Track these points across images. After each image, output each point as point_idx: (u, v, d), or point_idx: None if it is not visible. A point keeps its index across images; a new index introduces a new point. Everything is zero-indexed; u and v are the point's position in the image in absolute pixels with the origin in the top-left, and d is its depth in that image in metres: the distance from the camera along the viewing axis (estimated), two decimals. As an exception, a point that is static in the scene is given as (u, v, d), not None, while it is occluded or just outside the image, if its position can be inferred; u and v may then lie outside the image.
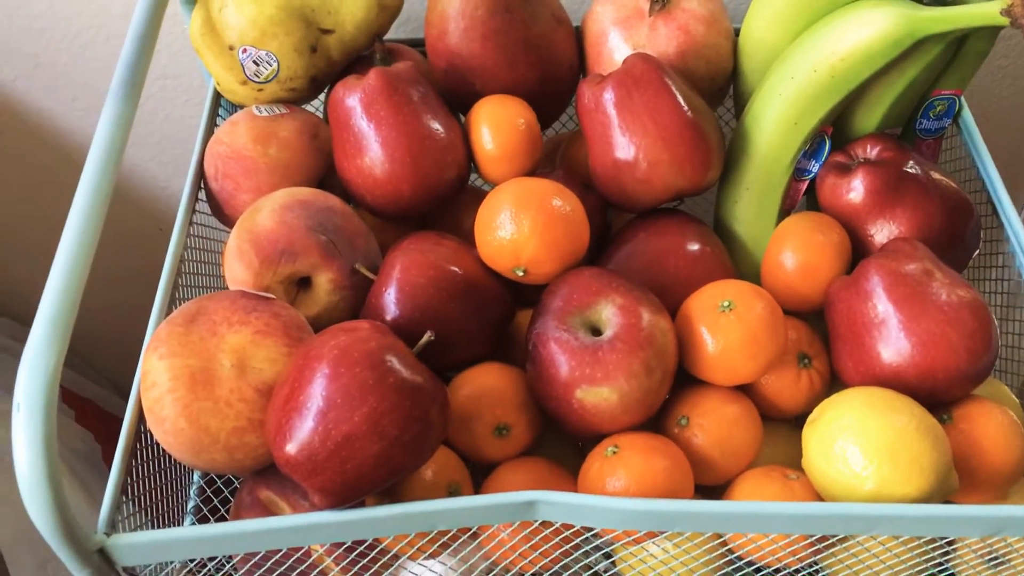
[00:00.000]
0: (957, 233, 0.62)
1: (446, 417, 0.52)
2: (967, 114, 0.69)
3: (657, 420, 0.60)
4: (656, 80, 0.61)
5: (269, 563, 0.55)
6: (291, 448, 0.49)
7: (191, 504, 0.65)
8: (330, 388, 0.49)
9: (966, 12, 0.58)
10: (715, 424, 0.57)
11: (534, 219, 0.56)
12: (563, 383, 0.54)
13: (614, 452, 0.55)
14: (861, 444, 0.52)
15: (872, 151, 0.64)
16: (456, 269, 0.58)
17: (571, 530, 0.53)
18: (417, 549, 0.54)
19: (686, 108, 0.61)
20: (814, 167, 0.66)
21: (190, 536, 0.50)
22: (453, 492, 0.55)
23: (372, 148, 0.63)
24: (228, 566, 0.57)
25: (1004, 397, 0.62)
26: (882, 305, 0.56)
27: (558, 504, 0.51)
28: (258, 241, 0.60)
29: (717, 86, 0.69)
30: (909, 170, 0.62)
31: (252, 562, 0.56)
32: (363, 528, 0.51)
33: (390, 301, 0.57)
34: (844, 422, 0.53)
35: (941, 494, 0.52)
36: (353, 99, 0.63)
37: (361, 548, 0.55)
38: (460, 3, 0.67)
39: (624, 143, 0.61)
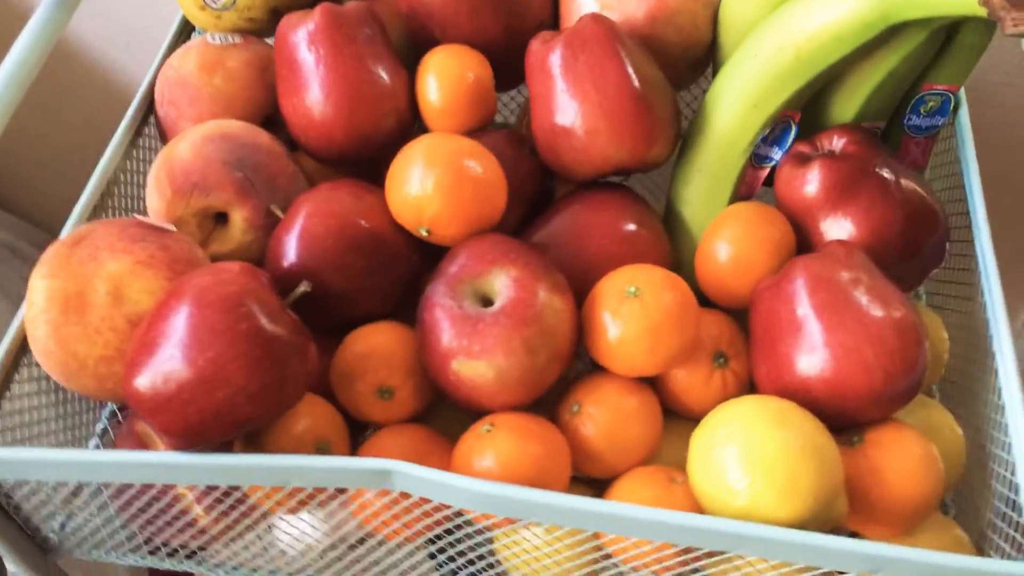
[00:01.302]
0: (916, 243, 0.57)
1: (309, 371, 0.50)
2: (964, 115, 0.63)
3: (554, 403, 0.56)
4: (604, 43, 0.57)
5: (140, 500, 0.55)
6: (137, 383, 0.48)
7: (100, 426, 0.65)
8: (180, 328, 0.47)
9: (941, -2, 0.52)
10: (607, 415, 0.54)
11: (439, 177, 0.54)
12: (441, 353, 0.52)
13: (487, 431, 0.52)
14: (739, 456, 0.48)
15: (838, 143, 0.59)
16: (362, 222, 0.56)
17: (430, 505, 0.51)
18: (275, 503, 0.52)
19: (633, 76, 0.57)
20: (776, 155, 0.61)
21: (40, 458, 0.50)
22: (321, 450, 0.53)
23: (308, 88, 0.61)
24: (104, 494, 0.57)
25: (941, 426, 0.56)
26: (801, 310, 0.52)
27: (413, 477, 0.49)
28: (173, 171, 0.59)
29: (693, 57, 0.64)
30: (872, 168, 0.57)
31: (124, 497, 0.55)
32: (212, 473, 0.50)
33: (289, 246, 0.55)
34: (728, 430, 0.49)
35: (821, 520, 0.47)
36: (295, 34, 0.61)
37: (227, 495, 0.54)
38: (423, -56, 0.63)
39: (563, 107, 0.58)
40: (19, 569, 0.60)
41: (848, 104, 0.60)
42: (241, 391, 0.47)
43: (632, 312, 0.53)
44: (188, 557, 0.60)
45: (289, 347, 0.49)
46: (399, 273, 0.57)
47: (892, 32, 0.56)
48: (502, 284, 0.52)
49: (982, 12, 0.50)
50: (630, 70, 0.57)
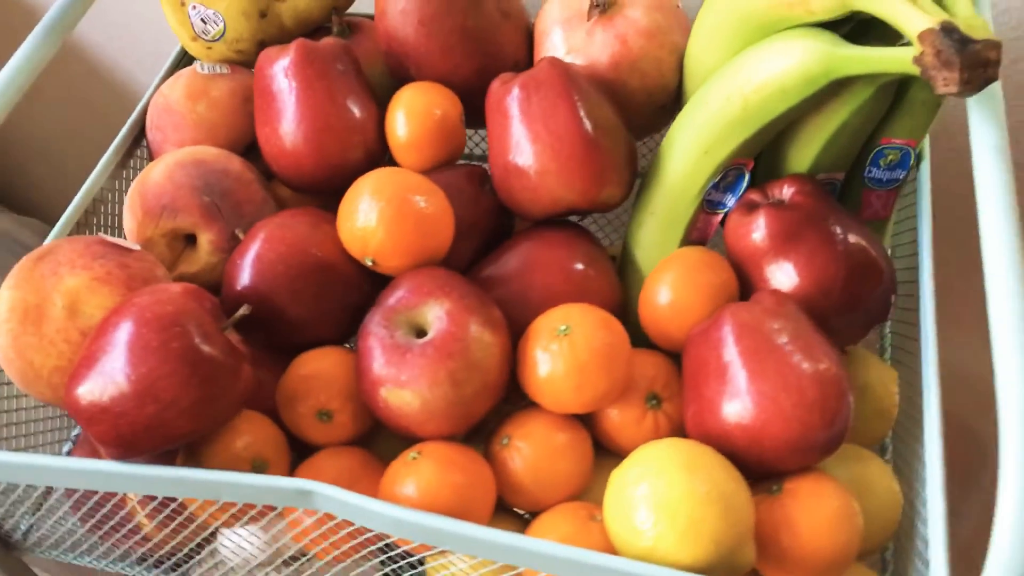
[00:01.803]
0: (858, 295, 0.57)
1: (241, 391, 0.52)
2: (924, 170, 0.63)
3: (488, 434, 0.58)
4: (558, 87, 0.59)
5: (89, 504, 0.58)
6: (76, 392, 0.50)
7: (75, 432, 0.68)
8: (118, 343, 0.50)
9: (881, 56, 0.52)
10: (535, 449, 0.55)
11: (383, 211, 0.56)
12: (371, 380, 0.54)
13: (414, 458, 0.53)
14: (647, 497, 0.48)
15: (787, 192, 0.59)
16: (313, 250, 0.58)
17: (354, 527, 0.52)
18: (210, 515, 0.55)
19: (584, 120, 0.58)
20: (730, 201, 0.62)
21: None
22: (257, 467, 0.55)
23: (281, 118, 0.64)
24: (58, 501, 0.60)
25: (875, 481, 0.56)
26: (726, 357, 0.52)
27: (333, 499, 0.50)
28: (145, 194, 0.62)
29: (658, 102, 0.66)
30: (817, 218, 0.57)
31: (73, 500, 0.58)
32: (146, 483, 0.52)
33: (242, 270, 0.58)
34: (640, 471, 0.50)
35: (725, 566, 0.48)
36: (272, 67, 0.64)
37: (167, 504, 0.56)
38: (400, -16, 0.66)
39: (517, 147, 0.59)
40: (-16, 563, 0.64)
41: (803, 154, 0.61)
42: (171, 406, 0.50)
43: (561, 350, 0.54)
44: (139, 562, 0.63)
45: (221, 367, 0.51)
46: (349, 300, 0.59)
47: (839, 86, 0.56)
48: (435, 316, 0.54)
49: (916, 71, 0.50)
50: (581, 113, 0.58)
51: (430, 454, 0.53)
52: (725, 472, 0.50)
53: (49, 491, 0.64)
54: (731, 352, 0.52)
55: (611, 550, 0.50)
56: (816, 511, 0.51)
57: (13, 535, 0.63)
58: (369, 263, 0.58)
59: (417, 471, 0.52)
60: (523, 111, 0.59)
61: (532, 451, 0.55)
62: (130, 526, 0.58)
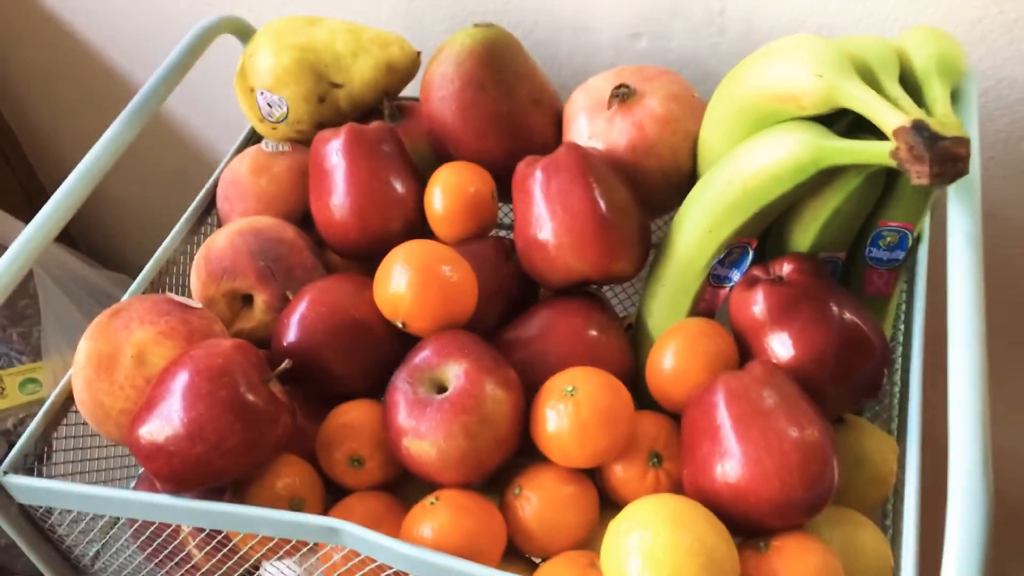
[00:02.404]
0: (850, 368, 0.61)
1: (280, 436, 0.59)
2: (921, 254, 0.67)
3: (504, 484, 0.63)
4: (574, 169, 0.65)
5: (146, 533, 0.65)
6: (137, 432, 0.58)
7: (141, 470, 0.76)
8: (173, 390, 0.57)
9: (863, 148, 0.57)
10: (543, 499, 0.60)
11: (412, 278, 0.62)
12: (396, 430, 0.60)
13: (432, 503, 0.59)
14: (636, 547, 0.53)
15: (786, 269, 0.64)
16: (352, 312, 0.65)
17: (375, 564, 0.58)
18: (251, 548, 0.61)
19: (599, 200, 0.64)
20: (735, 276, 0.67)
21: (63, 490, 0.61)
22: (294, 506, 0.61)
23: (331, 193, 0.71)
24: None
25: (864, 544, 0.59)
26: (717, 420, 0.57)
27: (356, 536, 0.56)
28: (209, 258, 0.70)
29: (673, 183, 0.71)
30: (813, 294, 0.61)
31: (133, 529, 0.65)
32: (195, 516, 0.59)
33: (288, 328, 0.65)
34: (632, 523, 0.54)
35: (706, 617, 0.52)
36: (325, 147, 0.72)
37: (215, 537, 0.63)
38: (441, 74, 0.73)
39: (537, 223, 0.66)
40: (54, 586, 0.71)
41: (804, 235, 0.65)
42: (216, 447, 0.56)
43: (567, 409, 0.59)
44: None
45: (262, 414, 0.57)
46: (382, 358, 0.65)
47: (832, 174, 0.61)
48: (454, 375, 0.60)
49: (892, 163, 0.55)
50: (596, 194, 0.64)
51: (446, 500, 0.59)
52: (710, 527, 0.54)
53: (115, 523, 0.71)
54: (721, 416, 0.57)
55: (605, 595, 0.55)
56: (798, 568, 0.55)
57: (82, 560, 0.70)
58: (400, 325, 0.64)
59: (434, 515, 0.58)
60: (543, 191, 0.65)
61: (540, 501, 0.60)
62: (182, 555, 0.64)
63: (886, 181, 0.63)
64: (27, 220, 1.18)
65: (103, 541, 0.71)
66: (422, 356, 0.61)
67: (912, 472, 0.56)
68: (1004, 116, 0.79)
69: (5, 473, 0.62)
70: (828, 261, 0.67)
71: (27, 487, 0.62)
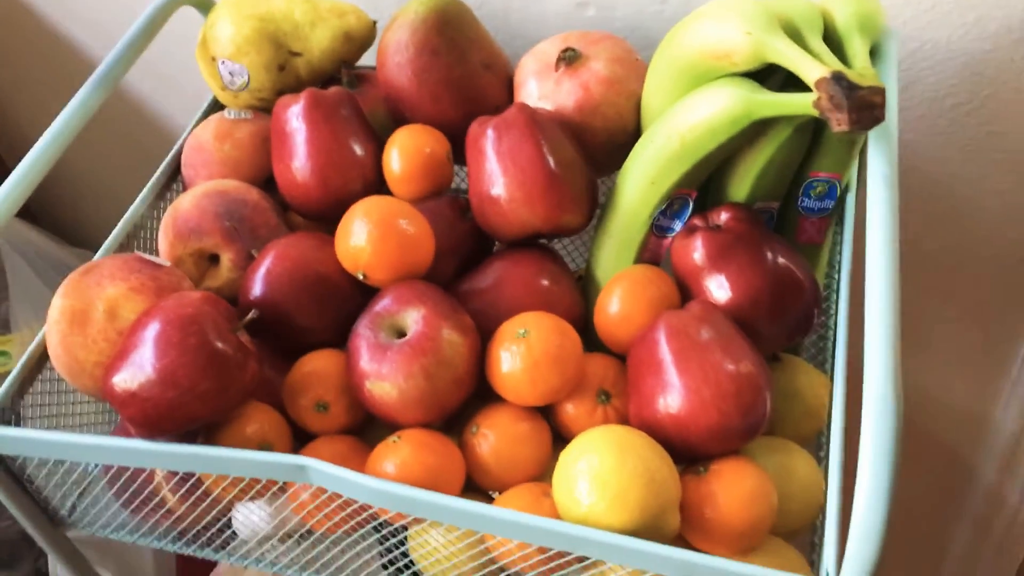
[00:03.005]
0: (782, 309, 0.65)
1: (248, 381, 0.62)
2: (849, 202, 0.71)
3: (460, 424, 0.67)
4: (523, 127, 0.68)
5: (121, 480, 0.68)
6: (112, 381, 0.61)
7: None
8: (146, 339, 0.60)
9: (789, 100, 0.61)
10: (499, 436, 0.64)
11: (371, 232, 0.66)
12: (359, 373, 0.63)
13: (394, 441, 0.63)
14: (584, 472, 0.57)
15: (723, 218, 0.68)
16: (315, 266, 0.68)
17: (342, 500, 0.62)
18: (223, 490, 0.64)
19: (546, 155, 0.68)
20: (677, 226, 0.71)
21: (37, 438, 0.63)
22: (264, 448, 0.65)
23: (292, 156, 0.74)
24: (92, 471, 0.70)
25: (797, 469, 0.64)
26: (659, 356, 0.61)
27: (323, 473, 0.60)
28: (176, 219, 0.73)
29: (618, 141, 0.75)
30: (747, 240, 0.66)
31: (108, 477, 0.68)
32: (168, 459, 0.62)
33: (254, 283, 0.68)
34: (579, 451, 0.59)
35: (650, 531, 0.56)
36: (286, 112, 0.75)
37: (188, 480, 0.66)
38: (396, 41, 0.77)
39: (489, 179, 0.69)
40: (35, 535, 0.74)
41: (740, 186, 0.70)
42: (187, 392, 0.60)
43: (519, 350, 0.63)
44: (165, 535, 0.72)
45: (231, 360, 0.61)
46: (345, 309, 0.69)
47: (764, 126, 0.65)
48: (412, 320, 0.64)
49: (815, 112, 0.59)
50: (544, 150, 0.68)
51: (408, 438, 0.63)
52: (652, 452, 0.58)
53: (89, 473, 0.74)
54: (663, 352, 0.61)
55: (558, 518, 0.59)
56: (734, 488, 0.59)
57: (59, 512, 0.73)
58: (361, 277, 0.67)
59: (396, 451, 0.62)
60: (495, 149, 0.69)
61: (496, 438, 0.64)
62: (156, 500, 0.67)
63: (814, 134, 0.68)
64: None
65: (79, 492, 0.74)
66: (382, 304, 0.65)
67: (838, 402, 0.61)
68: (931, 75, 0.84)
69: (-20, 424, 0.65)
70: (763, 211, 0.71)
71: (4, 437, 0.64)
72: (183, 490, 0.66)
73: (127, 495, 0.68)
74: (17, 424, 0.69)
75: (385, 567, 0.72)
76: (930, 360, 1.06)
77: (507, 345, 0.64)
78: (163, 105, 1.19)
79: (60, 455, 0.64)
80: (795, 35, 0.63)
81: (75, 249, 1.28)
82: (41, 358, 0.70)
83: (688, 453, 0.61)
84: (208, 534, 0.70)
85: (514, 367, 0.63)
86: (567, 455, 0.60)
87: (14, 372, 0.68)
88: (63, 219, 1.41)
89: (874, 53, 0.67)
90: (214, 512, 0.67)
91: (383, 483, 0.58)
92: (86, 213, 1.39)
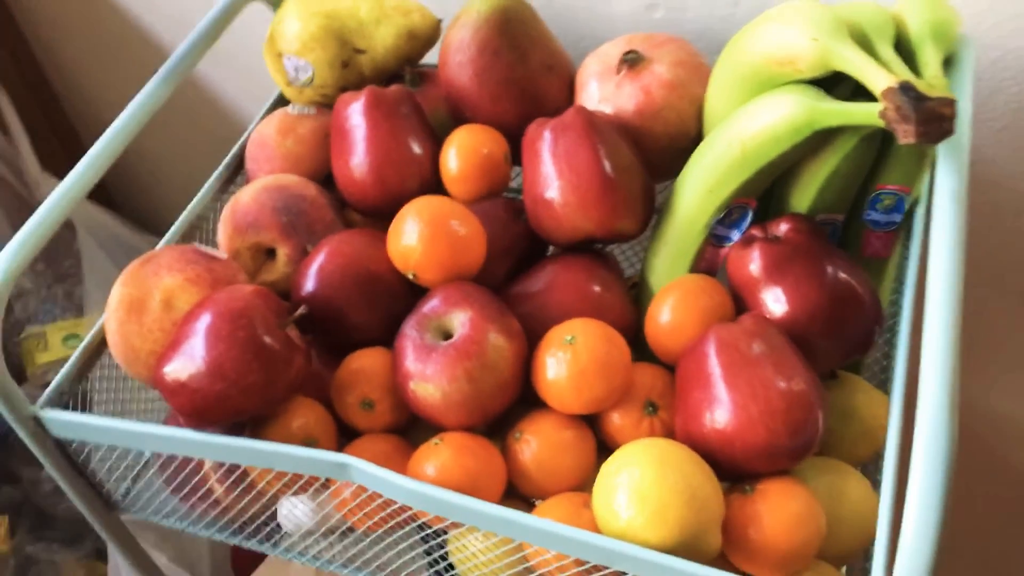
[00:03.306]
0: (840, 325, 0.63)
1: (294, 377, 0.63)
2: (917, 218, 0.69)
3: (505, 428, 0.66)
4: (580, 130, 0.67)
5: (171, 468, 0.69)
6: (163, 370, 0.62)
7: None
8: (197, 331, 0.61)
9: (854, 110, 0.59)
10: (542, 443, 0.63)
11: (422, 232, 0.65)
12: (403, 373, 0.63)
13: (436, 443, 0.63)
14: (624, 485, 0.56)
15: (783, 229, 0.66)
16: (367, 264, 0.68)
17: (382, 499, 0.62)
18: (267, 483, 0.65)
19: (603, 160, 0.67)
20: (735, 236, 0.69)
21: (93, 424, 0.65)
22: (308, 445, 0.65)
23: (351, 153, 0.75)
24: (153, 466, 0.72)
25: (848, 492, 0.62)
26: (708, 369, 0.60)
27: (364, 472, 0.60)
28: (235, 213, 0.74)
29: (679, 146, 0.73)
30: (806, 253, 0.64)
31: (159, 464, 0.70)
32: (212, 450, 0.63)
33: (306, 279, 0.69)
34: (621, 463, 0.57)
35: (688, 549, 0.55)
36: (346, 110, 0.75)
37: (235, 473, 0.67)
38: (458, 40, 0.76)
39: (544, 182, 0.68)
40: (90, 518, 0.76)
41: (802, 196, 0.67)
42: (234, 385, 0.60)
43: (565, 357, 0.62)
44: (212, 525, 0.74)
45: (277, 355, 0.61)
46: (394, 308, 0.69)
47: (829, 135, 0.63)
48: (459, 323, 0.63)
49: (882, 123, 0.57)
50: (601, 154, 0.67)
51: (449, 441, 0.62)
52: (695, 468, 0.57)
53: (143, 460, 0.76)
54: (712, 365, 0.60)
55: (596, 530, 0.58)
56: (781, 510, 0.57)
57: (114, 496, 0.75)
58: (411, 276, 0.67)
59: (437, 454, 0.62)
60: (551, 151, 0.68)
61: (539, 445, 0.63)
62: (204, 489, 0.68)
63: (883, 145, 0.65)
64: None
65: (132, 477, 0.76)
66: (430, 305, 0.65)
67: (894, 424, 0.58)
68: (1013, 85, 0.80)
69: (42, 408, 0.66)
70: (826, 223, 0.69)
71: (61, 421, 0.66)
72: (229, 481, 0.67)
73: (176, 483, 0.69)
74: (76, 408, 0.70)
75: (429, 566, 0.72)
76: (1002, 377, 1.02)
77: (553, 351, 0.63)
78: (237, 96, 1.21)
79: (112, 441, 0.66)
80: (864, 42, 0.61)
81: (149, 236, 1.31)
82: (101, 344, 0.72)
83: (734, 471, 0.59)
84: (254, 525, 0.71)
85: (559, 374, 0.62)
86: (608, 467, 0.58)
87: (73, 357, 0.70)
88: (139, 206, 1.45)
89: (949, 63, 0.64)
90: (259, 504, 0.68)
91: (421, 485, 0.58)
92: (161, 200, 1.43)
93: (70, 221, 1.24)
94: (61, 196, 0.68)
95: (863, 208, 0.69)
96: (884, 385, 0.74)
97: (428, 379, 0.62)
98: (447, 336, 0.64)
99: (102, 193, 1.40)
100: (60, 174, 0.75)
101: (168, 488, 0.71)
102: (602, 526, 0.57)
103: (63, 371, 0.69)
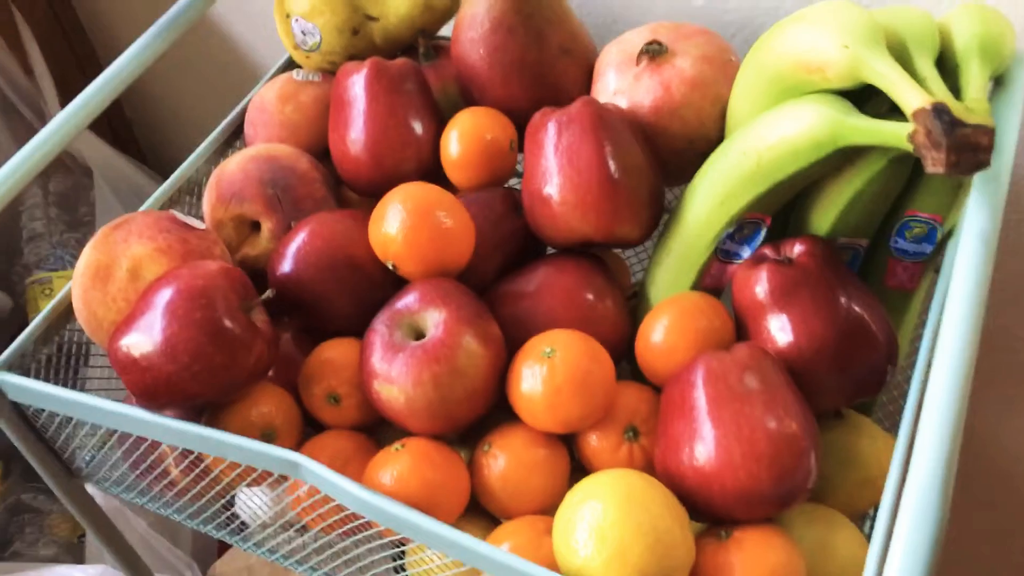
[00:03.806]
0: (847, 361, 0.57)
1: (253, 364, 0.59)
2: (950, 249, 0.62)
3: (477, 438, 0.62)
4: (586, 125, 0.62)
5: (128, 443, 0.66)
6: (116, 343, 0.58)
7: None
8: (154, 307, 0.58)
9: (882, 129, 0.53)
10: (511, 460, 0.59)
11: (404, 220, 0.61)
12: (368, 371, 0.59)
13: (396, 449, 0.58)
14: (585, 521, 0.51)
15: (796, 250, 0.60)
16: (348, 249, 0.64)
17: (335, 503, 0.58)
18: (221, 471, 0.61)
19: (608, 159, 0.62)
20: (745, 253, 0.63)
21: (49, 393, 0.62)
22: (266, 436, 0.62)
23: (348, 127, 0.70)
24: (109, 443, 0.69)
25: (839, 546, 0.56)
26: (692, 399, 0.55)
27: (314, 473, 0.56)
28: (220, 181, 0.70)
29: (698, 149, 0.68)
30: (818, 279, 0.58)
31: (117, 437, 0.67)
32: (161, 432, 0.60)
33: (282, 259, 0.65)
34: (584, 495, 0.53)
35: (647, 596, 0.50)
36: (346, 79, 0.71)
37: (190, 457, 0.63)
38: (471, 15, 0.71)
39: (543, 177, 0.63)
40: (49, 483, 0.73)
41: (823, 217, 0.62)
42: (187, 368, 0.57)
43: (541, 371, 0.57)
44: (170, 506, 0.71)
45: (236, 340, 0.57)
46: (373, 298, 0.64)
47: (855, 153, 0.57)
48: (432, 323, 0.59)
49: (908, 147, 0.51)
50: (606, 152, 0.62)
51: (411, 448, 0.58)
52: (663, 508, 0.52)
53: (100, 432, 0.73)
54: (697, 396, 0.54)
55: (553, 564, 0.54)
56: (757, 562, 0.52)
57: (74, 464, 0.72)
58: (391, 267, 0.63)
59: (396, 461, 0.57)
60: (554, 144, 0.63)
61: (507, 461, 0.59)
62: (160, 469, 0.65)
63: (917, 167, 0.59)
64: (106, 139, 1.22)
65: (90, 447, 0.73)
66: (404, 301, 0.60)
67: (893, 475, 0.53)
68: (1077, 112, 0.72)
69: (-1, 370, 0.64)
70: (848, 247, 0.63)
71: (17, 386, 0.63)
72: (185, 463, 0.64)
73: (133, 459, 0.66)
74: (40, 370, 0.68)
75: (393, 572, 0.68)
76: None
77: (530, 363, 0.58)
78: (266, 48, 1.17)
79: (66, 412, 0.63)
80: (901, 54, 0.55)
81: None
82: (69, 307, 0.69)
83: (708, 513, 0.55)
84: (211, 511, 0.68)
85: (534, 388, 0.57)
86: (571, 497, 0.54)
87: (36, 321, 0.67)
88: (165, 156, 1.42)
89: (1000, 83, 0.58)
90: (216, 490, 0.65)
91: (373, 495, 0.54)
92: (183, 152, 1.40)
93: (89, 168, 1.22)
94: (65, 120, 0.67)
95: (890, 234, 0.63)
96: (896, 428, 0.68)
97: (392, 381, 0.58)
98: (419, 336, 0.60)
99: (129, 143, 1.38)
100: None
101: (125, 463, 0.68)
102: (559, 560, 0.53)
103: (26, 332, 0.66)
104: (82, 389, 0.71)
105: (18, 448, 0.69)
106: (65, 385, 0.68)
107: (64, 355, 0.70)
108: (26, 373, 0.66)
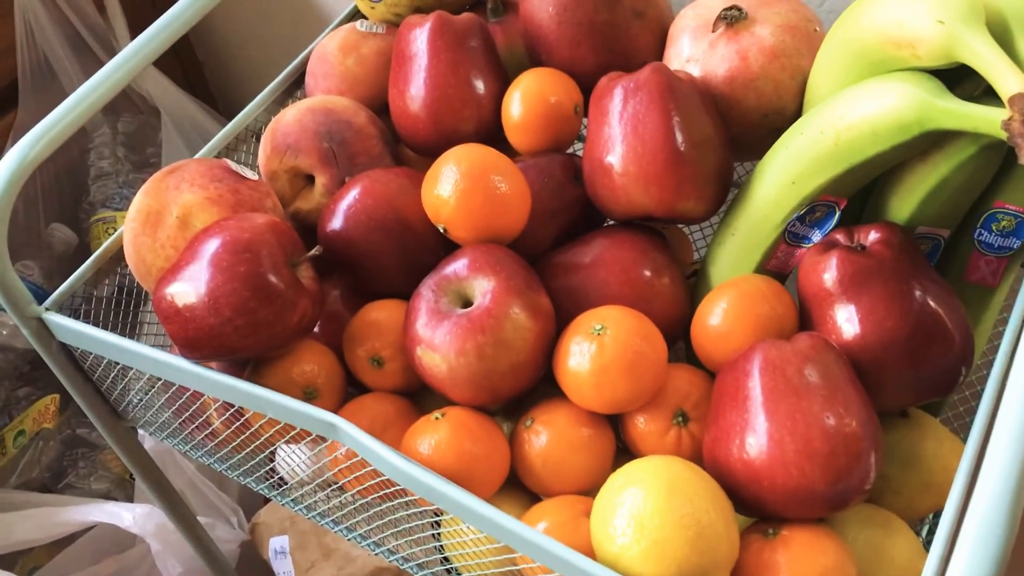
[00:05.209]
0: (918, 359, 0.54)
1: (295, 322, 0.57)
2: (1042, 244, 0.58)
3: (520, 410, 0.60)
4: (654, 93, 0.59)
5: (171, 391, 0.66)
6: (161, 292, 0.58)
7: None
8: (200, 257, 0.57)
9: (973, 113, 0.49)
10: (553, 437, 0.57)
11: (457, 184, 0.59)
12: (411, 336, 0.58)
13: (436, 418, 0.57)
14: (624, 508, 0.49)
15: (871, 237, 0.56)
16: (399, 208, 0.62)
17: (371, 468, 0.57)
18: (261, 426, 0.61)
19: (674, 128, 0.59)
20: (816, 237, 0.60)
21: (93, 336, 0.62)
22: (308, 395, 0.61)
23: (408, 82, 0.68)
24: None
25: (893, 551, 0.53)
26: (747, 390, 0.52)
27: (351, 437, 0.55)
28: (276, 132, 0.69)
29: (773, 124, 0.64)
30: (893, 270, 0.54)
31: (160, 383, 0.67)
32: (202, 383, 0.59)
33: (333, 215, 0.63)
34: (626, 481, 0.51)
35: (685, 589, 0.48)
36: (409, 33, 0.69)
37: (233, 410, 0.62)
38: (543, -28, 0.68)
39: (605, 145, 0.61)
40: (96, 423, 0.73)
41: (903, 204, 0.58)
42: (228, 322, 0.56)
43: (590, 349, 0.55)
44: (212, 455, 0.70)
45: (279, 296, 0.56)
46: (423, 260, 0.62)
47: (943, 138, 0.53)
48: (480, 291, 0.57)
49: (1003, 135, 0.47)
50: (673, 123, 0.59)
51: (451, 418, 0.57)
52: (710, 502, 0.49)
53: (146, 377, 0.73)
54: (752, 386, 0.52)
55: (589, 548, 0.52)
56: (805, 563, 0.50)
57: (120, 406, 0.72)
58: (442, 229, 0.61)
59: (435, 430, 0.56)
60: (619, 112, 0.60)
61: (549, 438, 0.57)
62: (203, 418, 0.65)
63: (1009, 157, 0.55)
64: (177, 82, 1.21)
65: (136, 391, 0.73)
66: (453, 266, 0.58)
67: (959, 482, 0.49)
68: None
69: (47, 310, 0.63)
70: (927, 237, 0.59)
71: (63, 327, 0.63)
72: (227, 415, 0.63)
73: (177, 407, 0.66)
74: (90, 312, 0.68)
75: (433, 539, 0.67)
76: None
77: (579, 340, 0.56)
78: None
79: (111, 356, 0.63)
80: (1003, 33, 0.50)
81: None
82: (119, 254, 0.68)
83: (756, 508, 0.52)
84: (251, 463, 0.67)
85: (581, 366, 0.55)
86: (613, 481, 0.52)
87: (87, 263, 0.67)
88: (233, 101, 1.42)
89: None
90: (256, 444, 0.64)
91: (409, 464, 0.53)
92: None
93: (157, 109, 1.22)
94: (129, 57, 0.67)
95: (974, 226, 0.59)
96: (965, 431, 0.64)
97: (435, 348, 0.56)
98: (466, 303, 0.58)
99: (199, 87, 1.37)
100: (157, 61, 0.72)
101: (169, 409, 0.67)
102: (595, 545, 0.51)
103: (76, 273, 0.66)
104: (138, 333, 0.71)
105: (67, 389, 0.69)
106: (122, 328, 0.68)
107: (123, 297, 0.69)
108: (76, 314, 0.66)
